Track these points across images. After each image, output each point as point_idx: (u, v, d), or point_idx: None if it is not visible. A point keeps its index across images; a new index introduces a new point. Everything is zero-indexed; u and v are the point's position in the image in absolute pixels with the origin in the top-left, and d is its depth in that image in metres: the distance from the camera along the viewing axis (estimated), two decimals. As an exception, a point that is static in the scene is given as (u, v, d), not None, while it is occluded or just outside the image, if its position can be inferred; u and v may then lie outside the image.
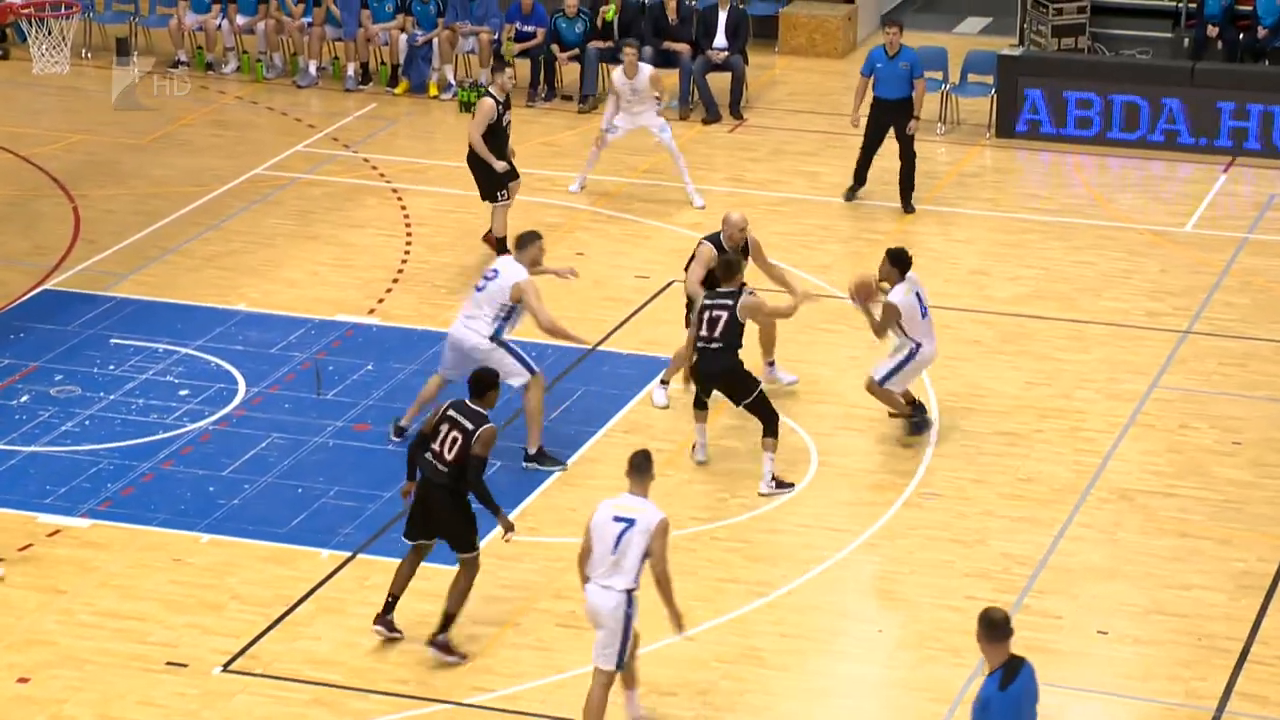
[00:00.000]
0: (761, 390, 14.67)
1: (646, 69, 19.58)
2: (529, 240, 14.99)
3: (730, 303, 14.54)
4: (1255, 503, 14.45)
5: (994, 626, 9.78)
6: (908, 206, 19.53)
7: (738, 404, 14.68)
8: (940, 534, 14.06)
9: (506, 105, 17.91)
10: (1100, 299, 17.74)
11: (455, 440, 12.33)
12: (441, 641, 12.51)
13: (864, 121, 19.63)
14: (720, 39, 22.17)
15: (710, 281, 15.13)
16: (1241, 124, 20.89)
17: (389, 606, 12.68)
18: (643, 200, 19.81)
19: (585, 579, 11.59)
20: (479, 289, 14.79)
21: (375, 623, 12.68)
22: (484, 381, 12.57)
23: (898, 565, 13.73)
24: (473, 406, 12.47)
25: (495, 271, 14.81)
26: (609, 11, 22.38)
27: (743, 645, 12.80)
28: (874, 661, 12.83)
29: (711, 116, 21.90)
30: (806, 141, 21.51)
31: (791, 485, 14.52)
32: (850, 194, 19.76)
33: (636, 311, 17.39)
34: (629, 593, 11.47)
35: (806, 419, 15.58)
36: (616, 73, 19.59)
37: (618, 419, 15.60)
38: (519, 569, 13.56)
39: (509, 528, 12.64)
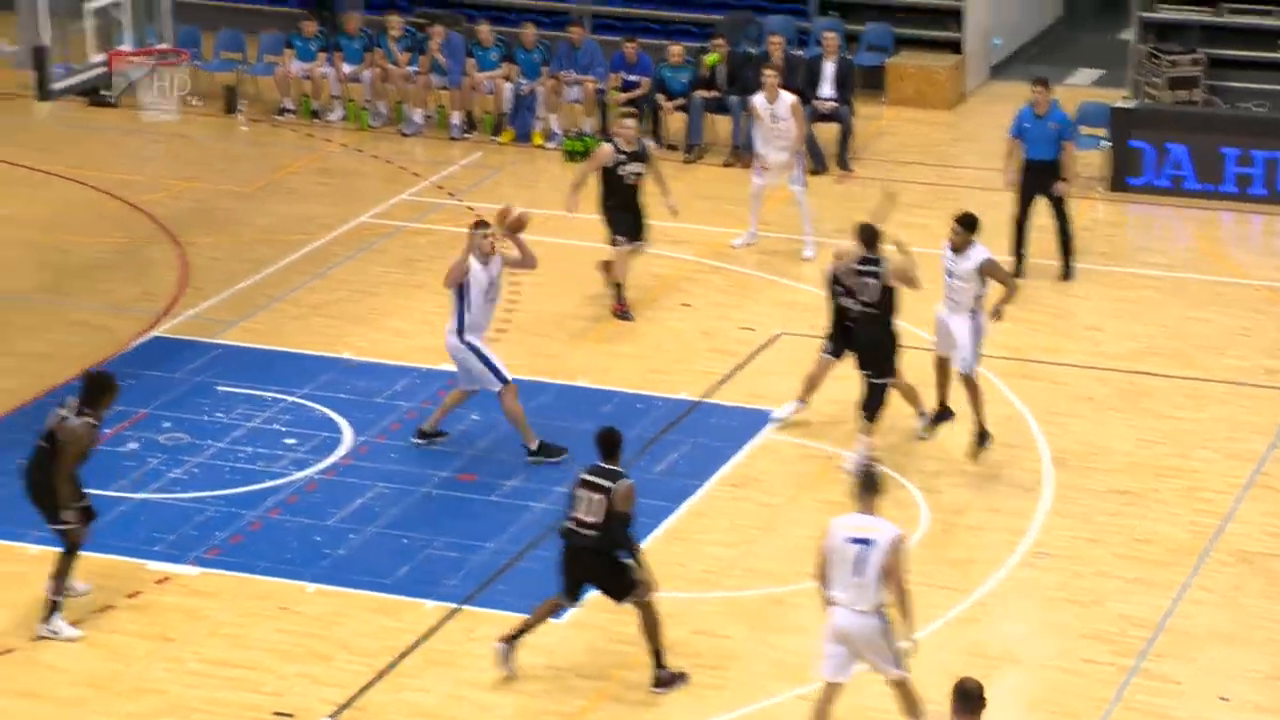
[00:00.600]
0: (890, 382, 15.39)
1: (787, 96, 19.49)
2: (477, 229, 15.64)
3: (877, 269, 15.15)
4: (1381, 566, 14.26)
5: (968, 698, 10.22)
6: (1067, 272, 19.13)
7: (866, 376, 15.38)
8: (1056, 594, 13.94)
9: (633, 156, 18.02)
10: (1218, 357, 17.58)
11: (596, 502, 12.49)
12: (664, 677, 12.72)
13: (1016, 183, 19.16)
14: (826, 89, 22.19)
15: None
16: (1359, 178, 20.72)
17: (518, 635, 12.85)
18: (749, 252, 19.80)
19: (829, 602, 11.72)
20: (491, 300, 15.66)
21: (499, 639, 12.83)
22: (610, 441, 12.71)
23: (1012, 624, 13.62)
24: (606, 466, 12.62)
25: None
26: (711, 58, 22.43)
27: (852, 704, 12.70)
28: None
29: (818, 167, 21.90)
30: (914, 193, 21.42)
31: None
32: (1018, 269, 18.94)
33: (742, 365, 17.37)
34: (880, 610, 11.65)
35: (916, 474, 15.50)
36: (757, 97, 19.53)
37: (724, 472, 15.58)
38: (628, 624, 13.52)
39: (650, 588, 12.75)
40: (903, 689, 11.92)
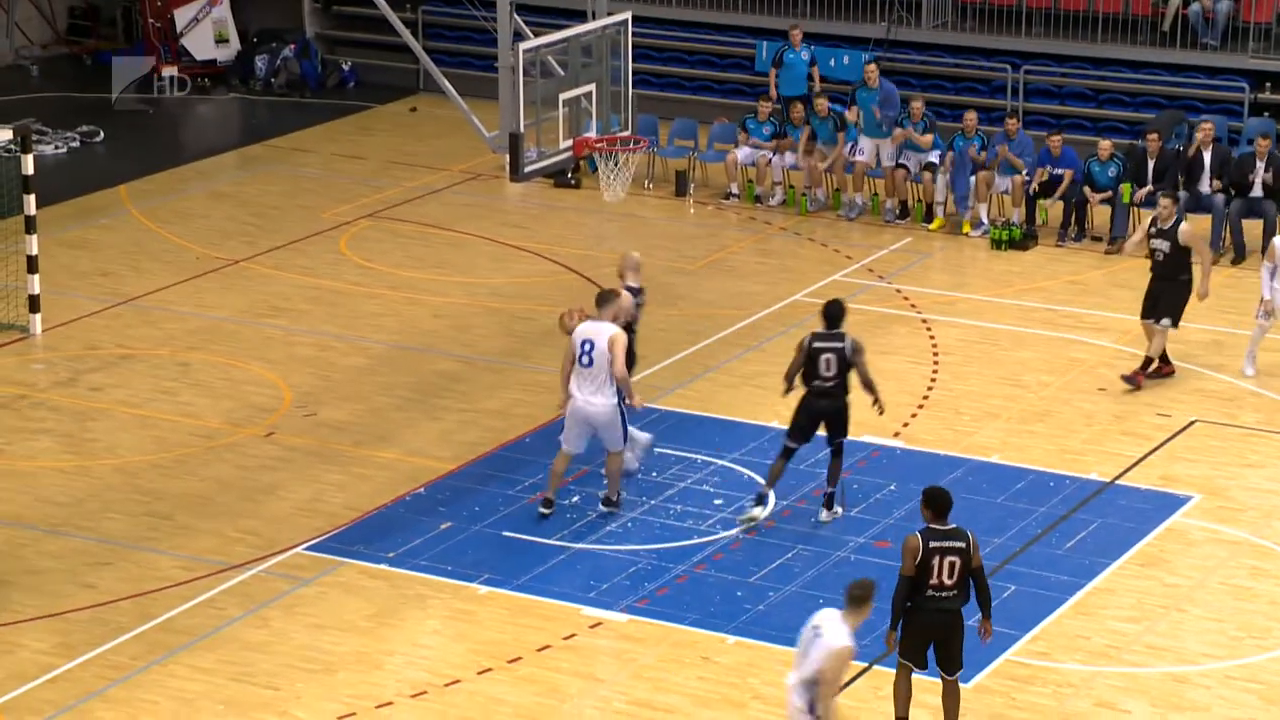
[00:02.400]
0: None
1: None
2: (608, 299, 15.65)
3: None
4: None
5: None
6: None
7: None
8: None
9: (1162, 234, 17.83)
10: None
11: (954, 564, 12.25)
12: None
13: None
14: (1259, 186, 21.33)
15: None
16: None
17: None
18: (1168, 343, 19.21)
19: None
20: (585, 365, 15.28)
21: None
22: (941, 500, 12.42)
23: None
24: (945, 527, 12.36)
25: (591, 344, 15.30)
26: (1126, 190, 21.72)
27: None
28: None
29: (1238, 257, 21.13)
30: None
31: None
32: None
33: (1156, 449, 16.85)
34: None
35: None
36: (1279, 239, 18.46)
37: (1133, 552, 15.12)
38: (1030, 691, 13.24)
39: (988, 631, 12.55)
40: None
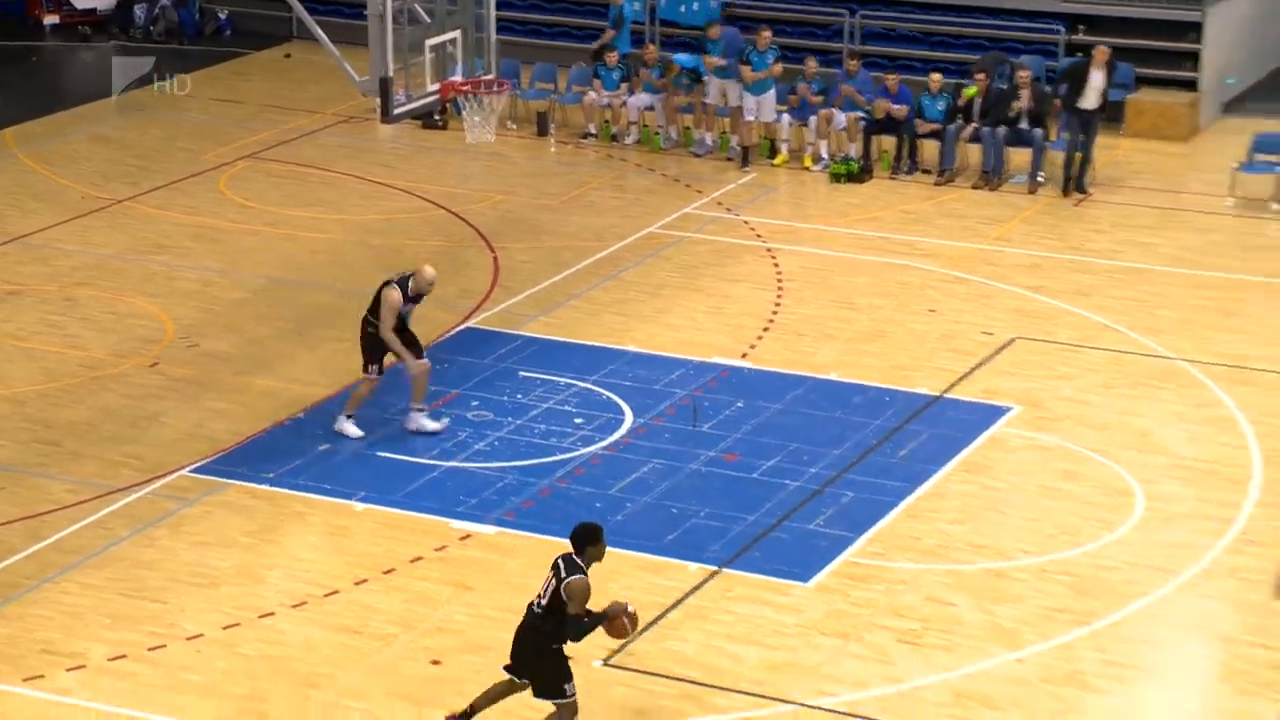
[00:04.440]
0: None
1: None
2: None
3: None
4: None
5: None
6: None
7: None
8: (1258, 577, 13.54)
9: None
10: None
11: (550, 586, 11.25)
12: None
13: None
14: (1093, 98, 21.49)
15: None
16: None
17: (467, 715, 11.66)
18: (988, 264, 19.58)
19: None
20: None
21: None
22: (581, 537, 11.34)
23: (1216, 603, 13.28)
24: (573, 559, 11.30)
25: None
26: (970, 90, 22.16)
27: (1067, 670, 12.53)
28: (1191, 691, 12.43)
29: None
30: (1145, 216, 20.99)
31: None
32: None
33: (979, 365, 17.19)
34: None
35: (1135, 467, 15.19)
36: None
37: (959, 459, 15.43)
38: (865, 588, 13.53)
39: (616, 615, 11.37)
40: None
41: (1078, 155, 21.51)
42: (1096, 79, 21.38)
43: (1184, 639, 12.97)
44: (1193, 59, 23.83)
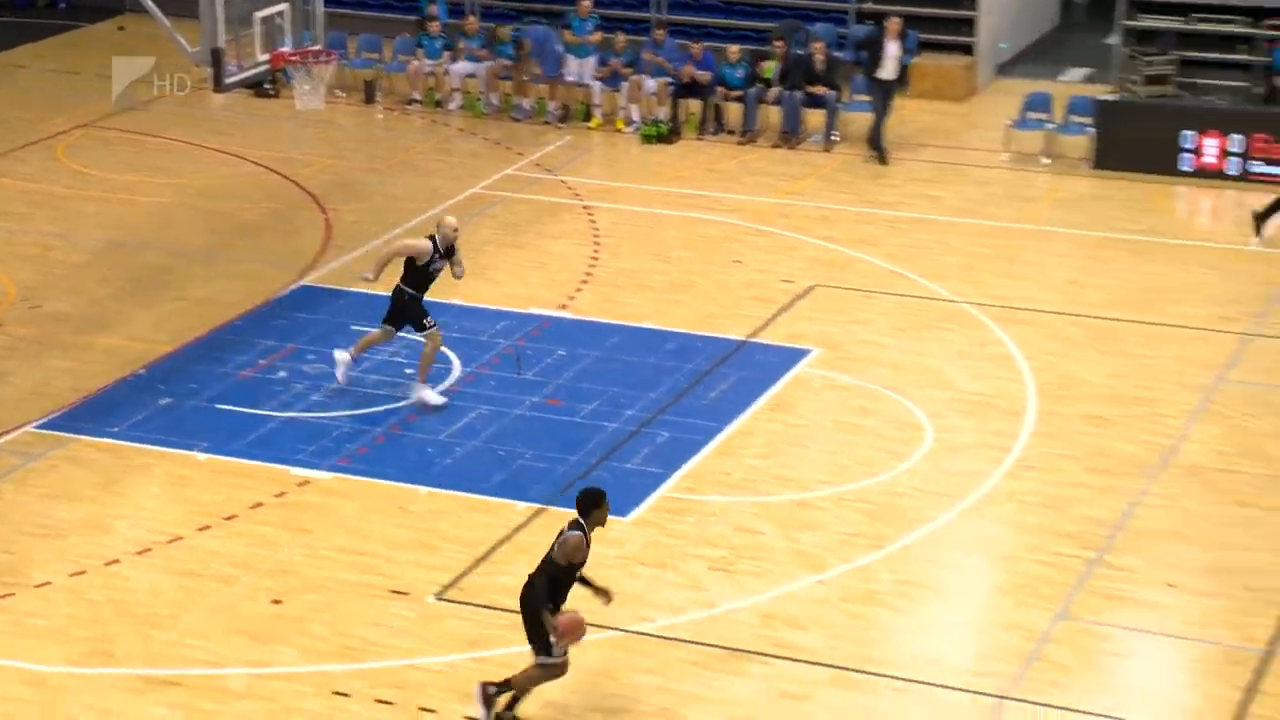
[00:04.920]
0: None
1: None
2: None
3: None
4: (1305, 480, 14.12)
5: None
6: None
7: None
8: (1033, 500, 13.88)
9: None
10: (1176, 305, 17.38)
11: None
12: (489, 694, 11.10)
13: None
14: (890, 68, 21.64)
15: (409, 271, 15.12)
16: (1304, 158, 20.42)
17: (501, 690, 11.18)
18: (788, 218, 19.75)
19: None
20: None
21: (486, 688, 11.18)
22: (583, 501, 11.00)
23: (997, 525, 13.59)
24: (578, 523, 11.01)
25: None
26: (767, 70, 22.26)
27: (864, 590, 12.74)
28: (974, 605, 12.71)
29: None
30: (929, 171, 21.31)
31: None
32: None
33: (781, 311, 17.35)
34: None
35: (924, 402, 15.46)
36: None
37: (765, 399, 15.58)
38: (679, 521, 13.61)
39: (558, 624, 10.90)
40: None
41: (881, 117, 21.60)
42: (892, 48, 21.60)
43: (968, 558, 13.26)
44: (969, 25, 24.21)
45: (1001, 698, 11.48)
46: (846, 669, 11.76)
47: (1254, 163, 20.54)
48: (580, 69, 22.74)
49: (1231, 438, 14.77)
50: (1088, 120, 21.45)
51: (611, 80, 22.78)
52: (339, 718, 11.31)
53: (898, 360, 16.21)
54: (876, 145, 21.53)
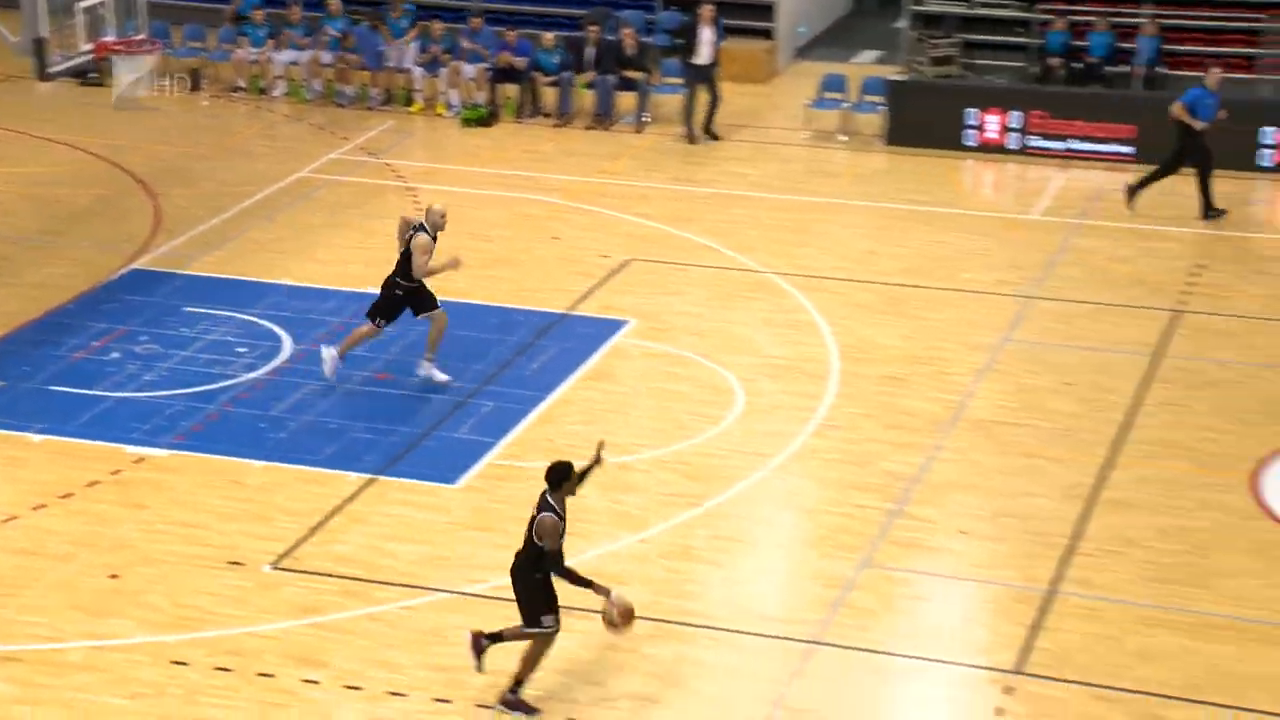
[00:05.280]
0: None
1: None
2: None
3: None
4: (1081, 430, 14.52)
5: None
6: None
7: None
8: (837, 457, 14.10)
9: None
10: (963, 271, 17.76)
11: (531, 520, 10.75)
12: (511, 700, 10.94)
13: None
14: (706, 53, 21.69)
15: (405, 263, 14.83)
16: (1077, 134, 20.95)
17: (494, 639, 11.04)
18: (604, 195, 19.77)
19: None
20: None
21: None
22: (552, 475, 10.79)
23: (804, 482, 13.78)
24: (546, 497, 10.76)
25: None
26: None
27: (682, 545, 12.84)
28: (784, 557, 12.88)
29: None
30: (736, 149, 21.49)
31: None
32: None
33: (599, 284, 17.37)
34: None
35: (735, 368, 15.60)
36: None
37: (585, 369, 15.59)
38: (505, 486, 13.57)
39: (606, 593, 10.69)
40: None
41: (705, 102, 21.52)
42: (706, 34, 21.68)
43: (778, 514, 13.43)
44: (769, 11, 24.42)
45: (811, 642, 11.66)
46: (667, 621, 11.84)
47: (1032, 137, 21.08)
48: (400, 56, 22.51)
49: (1015, 394, 15.14)
50: (880, 99, 21.81)
51: (431, 66, 22.58)
52: (177, 686, 11.09)
53: (709, 329, 16.33)
54: (706, 128, 21.60)
